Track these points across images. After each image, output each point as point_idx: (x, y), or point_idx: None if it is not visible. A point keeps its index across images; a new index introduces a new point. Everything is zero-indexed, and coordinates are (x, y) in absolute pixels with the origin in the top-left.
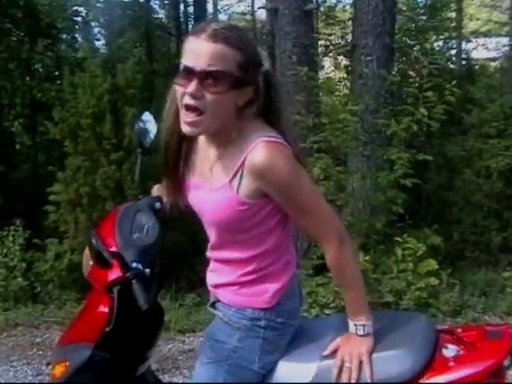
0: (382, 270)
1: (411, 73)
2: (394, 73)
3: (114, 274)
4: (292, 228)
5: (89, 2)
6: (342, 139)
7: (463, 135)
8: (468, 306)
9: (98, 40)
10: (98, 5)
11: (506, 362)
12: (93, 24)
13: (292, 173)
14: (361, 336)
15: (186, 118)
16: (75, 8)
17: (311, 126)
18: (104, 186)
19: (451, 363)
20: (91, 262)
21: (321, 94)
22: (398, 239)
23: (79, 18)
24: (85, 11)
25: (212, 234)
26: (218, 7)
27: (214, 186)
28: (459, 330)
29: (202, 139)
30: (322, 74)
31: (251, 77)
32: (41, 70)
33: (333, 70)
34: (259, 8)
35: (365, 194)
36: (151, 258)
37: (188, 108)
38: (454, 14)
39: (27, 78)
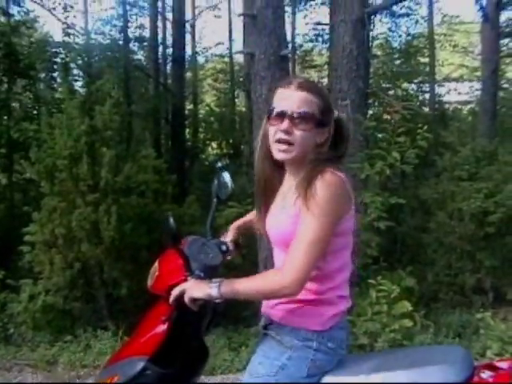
0: (357, 312)
1: (385, 116)
2: (368, 117)
3: (177, 278)
4: (349, 267)
5: (68, 43)
6: None
7: (436, 178)
8: None
9: (76, 81)
10: (77, 46)
11: None
12: (71, 65)
13: (326, 201)
14: (208, 285)
15: (279, 147)
16: (54, 49)
17: None
18: (80, 227)
19: (489, 380)
20: (157, 273)
21: None
22: (373, 281)
23: (58, 59)
24: (64, 53)
25: (281, 254)
26: (197, 49)
27: (283, 206)
28: (494, 362)
29: (286, 175)
30: None
31: (328, 119)
32: (19, 109)
33: None
34: (236, 52)
35: None
36: (213, 277)
37: (280, 141)
38: (427, 59)
39: (5, 118)
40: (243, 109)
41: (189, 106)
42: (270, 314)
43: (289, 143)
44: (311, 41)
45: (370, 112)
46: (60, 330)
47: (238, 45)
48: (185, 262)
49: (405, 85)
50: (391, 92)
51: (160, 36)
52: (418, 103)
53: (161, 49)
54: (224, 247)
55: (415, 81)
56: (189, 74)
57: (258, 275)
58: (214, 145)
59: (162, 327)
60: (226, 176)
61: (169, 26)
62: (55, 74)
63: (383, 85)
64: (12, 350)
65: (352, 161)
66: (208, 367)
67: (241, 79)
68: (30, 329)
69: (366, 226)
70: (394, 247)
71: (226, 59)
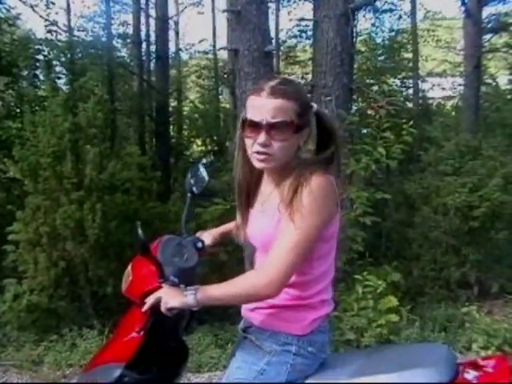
0: (343, 308)
1: (370, 112)
2: (352, 112)
3: (150, 284)
4: (333, 269)
5: (51, 41)
6: None
7: (421, 173)
8: (428, 341)
9: (59, 78)
10: (60, 44)
11: None
12: (54, 63)
13: (311, 211)
14: (184, 293)
15: (258, 158)
16: (37, 47)
17: None
18: (64, 225)
19: (473, 381)
20: (130, 278)
21: None
22: (359, 277)
23: (41, 57)
24: (46, 50)
25: (263, 258)
26: (180, 46)
27: (264, 211)
28: (479, 360)
29: (265, 178)
30: None
31: (307, 120)
32: (1, 107)
33: None
34: (220, 48)
35: None
36: (189, 281)
37: (259, 153)
38: (410, 55)
39: None
40: (227, 105)
41: (173, 103)
42: (250, 317)
43: (268, 155)
44: (295, 37)
45: (355, 107)
46: (45, 329)
47: (222, 41)
48: (157, 268)
49: (389, 80)
50: (375, 88)
51: (143, 33)
52: (402, 98)
53: (144, 45)
54: (200, 244)
55: (399, 76)
56: (173, 71)
57: (235, 279)
58: (199, 142)
59: (138, 331)
60: (201, 170)
61: (152, 22)
62: (38, 72)
63: (367, 80)
64: None
65: None
66: (194, 365)
67: (225, 76)
68: (14, 328)
69: (351, 221)
70: (379, 242)
71: (210, 56)
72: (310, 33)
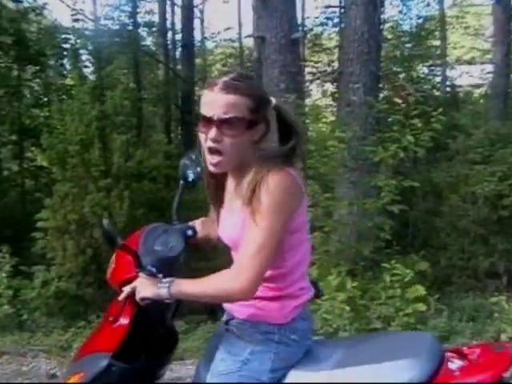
0: (371, 297)
1: (397, 100)
2: (380, 100)
3: (128, 273)
4: (308, 259)
5: (77, 29)
6: (329, 166)
7: (449, 161)
8: (456, 331)
9: (86, 67)
10: (87, 32)
11: (508, 374)
12: (81, 51)
13: (271, 209)
14: (158, 285)
15: (210, 159)
16: (64, 36)
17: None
18: (92, 212)
19: (456, 373)
20: (113, 265)
21: (308, 121)
22: (386, 265)
23: (68, 46)
24: (73, 39)
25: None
26: (206, 35)
27: (231, 209)
28: (464, 348)
29: (229, 175)
30: (309, 101)
31: (261, 115)
32: (29, 96)
33: (319, 98)
34: (246, 36)
35: (352, 220)
36: (169, 270)
37: (210, 150)
38: (438, 42)
39: (16, 105)
40: None
41: (198, 92)
42: (231, 309)
43: (219, 152)
44: (321, 24)
45: (382, 95)
46: (73, 315)
47: (247, 29)
48: (134, 257)
49: (416, 68)
50: (403, 75)
51: (169, 21)
52: (430, 86)
53: (170, 34)
54: (190, 232)
55: (426, 64)
56: (198, 60)
57: (210, 277)
58: None
59: (123, 322)
60: (195, 158)
61: (177, 11)
62: (65, 61)
63: (394, 68)
64: (26, 336)
65: (365, 144)
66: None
67: (250, 65)
68: (43, 315)
69: (379, 210)
70: (407, 231)
71: (236, 44)
72: (336, 20)
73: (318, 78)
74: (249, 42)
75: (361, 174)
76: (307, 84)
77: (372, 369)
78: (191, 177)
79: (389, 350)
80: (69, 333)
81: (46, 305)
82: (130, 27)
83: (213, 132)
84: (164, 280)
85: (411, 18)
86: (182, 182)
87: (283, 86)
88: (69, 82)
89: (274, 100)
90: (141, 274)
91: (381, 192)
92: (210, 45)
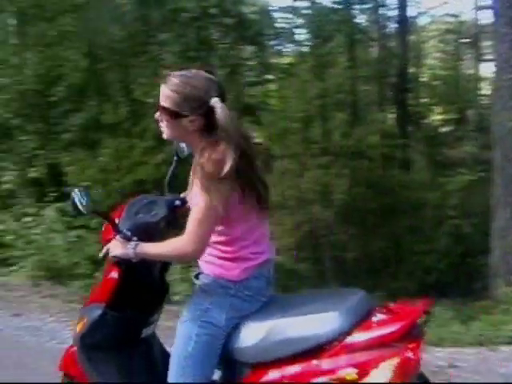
0: None
1: None
2: None
3: (109, 235)
4: (262, 225)
5: (294, 8)
6: None
7: None
8: None
9: (302, 46)
10: (305, 11)
11: (420, 321)
12: (297, 30)
13: (205, 183)
14: (128, 247)
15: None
16: (281, 15)
17: None
18: (311, 189)
19: (374, 325)
20: (103, 229)
21: None
22: None
23: (285, 25)
24: (291, 18)
25: None
26: (420, 10)
27: (192, 184)
28: (391, 305)
29: None
30: None
31: (187, 110)
32: (248, 75)
33: None
34: (474, 8)
35: None
36: (146, 235)
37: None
38: None
39: (236, 84)
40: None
41: (411, 70)
42: (200, 264)
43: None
44: None
45: None
46: (285, 289)
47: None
48: (111, 222)
49: None
50: None
51: None
52: None
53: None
54: (178, 202)
55: None
56: (411, 37)
57: (171, 241)
58: (439, 109)
59: (114, 275)
60: None
61: None
62: (282, 40)
63: None
64: None
65: None
66: (436, 338)
67: (468, 40)
68: None
69: None
70: None
71: (451, 19)
72: None
73: None
74: (467, 17)
75: None
76: None
77: (305, 319)
78: (183, 152)
79: (325, 303)
80: None
81: None
82: (344, 5)
83: (157, 114)
84: (132, 242)
85: None
86: (175, 158)
87: None
88: (287, 60)
89: (213, 100)
90: (117, 237)
91: None
92: (423, 21)
